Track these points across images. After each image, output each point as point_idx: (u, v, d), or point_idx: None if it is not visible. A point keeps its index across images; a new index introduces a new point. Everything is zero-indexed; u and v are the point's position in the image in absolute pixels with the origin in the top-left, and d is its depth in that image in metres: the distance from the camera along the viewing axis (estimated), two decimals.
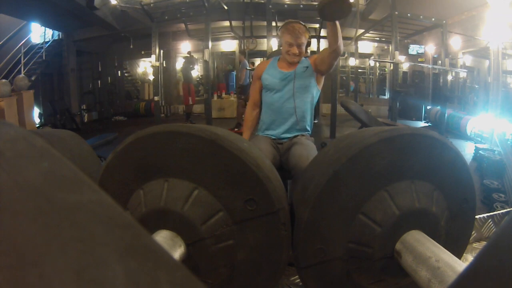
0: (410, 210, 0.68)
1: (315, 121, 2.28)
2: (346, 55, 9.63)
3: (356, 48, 8.68)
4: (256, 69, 1.80)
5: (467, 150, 4.54)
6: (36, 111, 6.81)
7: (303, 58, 1.67)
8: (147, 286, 0.17)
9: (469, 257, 1.21)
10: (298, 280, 1.09)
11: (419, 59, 8.47)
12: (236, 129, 5.07)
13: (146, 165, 0.74)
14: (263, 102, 1.71)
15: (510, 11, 4.40)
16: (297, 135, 1.61)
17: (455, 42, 7.36)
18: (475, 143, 4.74)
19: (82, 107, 8.65)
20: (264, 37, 6.16)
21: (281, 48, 1.68)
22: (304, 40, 1.60)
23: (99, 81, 9.44)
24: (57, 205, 0.19)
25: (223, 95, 8.30)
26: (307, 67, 1.62)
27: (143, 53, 9.41)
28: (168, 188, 0.71)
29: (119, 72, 10.08)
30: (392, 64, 6.81)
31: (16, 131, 0.23)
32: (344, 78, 10.30)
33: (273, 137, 1.62)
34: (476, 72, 8.77)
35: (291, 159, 1.40)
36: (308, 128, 1.66)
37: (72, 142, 1.06)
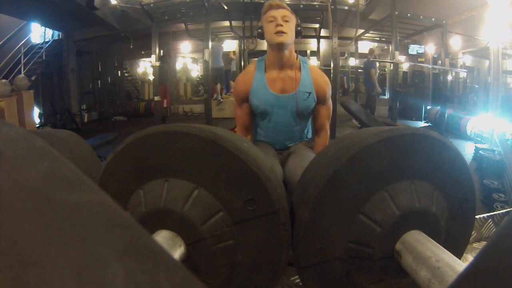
0: (410, 210, 0.68)
1: None
2: (346, 55, 9.64)
3: (356, 48, 8.67)
4: (237, 87, 1.37)
5: (467, 150, 4.54)
6: (36, 111, 6.81)
7: (302, 60, 1.34)
8: (147, 286, 0.17)
9: (469, 257, 1.21)
10: (298, 280, 1.09)
11: (419, 59, 8.48)
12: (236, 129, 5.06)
13: (146, 165, 0.74)
14: (256, 120, 1.43)
15: (510, 11, 4.40)
16: (296, 142, 1.44)
17: (455, 42, 7.36)
18: (475, 143, 4.75)
19: (82, 107, 8.66)
20: None
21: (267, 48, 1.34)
22: (290, 15, 1.27)
23: (99, 81, 9.45)
24: (57, 205, 0.19)
25: (223, 95, 8.30)
26: (309, 93, 1.30)
27: (143, 53, 9.41)
28: (168, 188, 0.71)
29: (119, 72, 10.09)
30: (392, 64, 6.81)
31: (16, 131, 0.23)
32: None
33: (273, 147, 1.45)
34: (476, 72, 8.77)
35: (285, 172, 1.21)
36: (308, 135, 1.48)
37: (72, 142, 1.05)
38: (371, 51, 6.94)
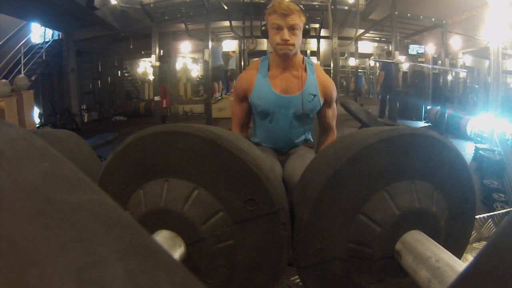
0: (410, 210, 0.68)
1: None
2: (346, 55, 9.64)
3: (356, 48, 8.67)
4: (239, 85, 1.30)
5: (467, 150, 4.54)
6: (36, 111, 6.81)
7: (308, 62, 1.27)
8: (147, 286, 0.17)
9: (469, 257, 1.21)
10: (298, 280, 1.09)
11: (419, 59, 8.48)
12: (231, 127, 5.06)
13: (146, 165, 0.74)
14: (256, 120, 1.38)
15: (510, 11, 4.40)
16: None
17: (455, 42, 7.36)
18: (475, 143, 4.75)
19: (82, 107, 8.67)
20: None
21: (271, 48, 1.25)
22: (299, 21, 1.13)
23: (99, 81, 9.46)
24: (57, 205, 0.19)
25: (223, 95, 8.30)
26: (314, 95, 1.24)
27: (143, 53, 9.42)
28: (168, 188, 0.71)
29: (119, 72, 10.09)
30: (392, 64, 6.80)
31: (16, 131, 0.23)
32: (343, 81, 10.29)
33: (273, 148, 1.41)
34: (476, 72, 8.78)
35: (285, 172, 1.19)
36: (309, 136, 1.43)
37: (72, 142, 1.05)
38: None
